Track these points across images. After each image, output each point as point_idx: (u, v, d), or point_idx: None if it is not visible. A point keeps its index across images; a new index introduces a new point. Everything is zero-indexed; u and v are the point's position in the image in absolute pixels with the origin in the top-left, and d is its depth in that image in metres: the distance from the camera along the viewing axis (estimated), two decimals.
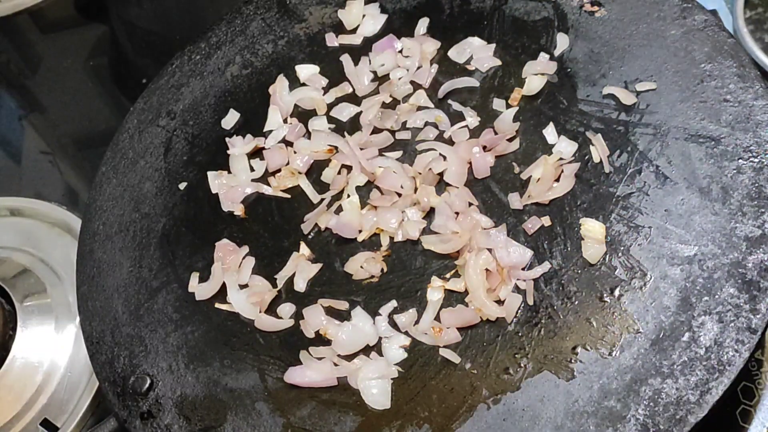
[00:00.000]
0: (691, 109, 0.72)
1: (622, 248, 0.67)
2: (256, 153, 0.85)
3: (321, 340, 0.71)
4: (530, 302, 0.67)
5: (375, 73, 0.87)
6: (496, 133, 0.77)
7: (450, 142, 0.78)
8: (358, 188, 0.78)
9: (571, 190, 0.72)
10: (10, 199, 1.02)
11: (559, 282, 0.67)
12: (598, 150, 0.72)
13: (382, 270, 0.73)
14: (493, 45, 0.84)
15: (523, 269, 0.68)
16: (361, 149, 0.80)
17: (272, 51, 0.92)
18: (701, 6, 0.77)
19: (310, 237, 0.77)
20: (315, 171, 0.82)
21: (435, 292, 0.70)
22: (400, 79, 0.85)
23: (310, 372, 0.68)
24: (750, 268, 0.62)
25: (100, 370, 0.74)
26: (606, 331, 0.63)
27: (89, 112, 1.15)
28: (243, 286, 0.76)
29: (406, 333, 0.69)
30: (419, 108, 0.82)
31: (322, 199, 0.79)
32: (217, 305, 0.75)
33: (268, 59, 0.92)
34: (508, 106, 0.79)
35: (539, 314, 0.66)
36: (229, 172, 0.84)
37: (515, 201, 0.73)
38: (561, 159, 0.73)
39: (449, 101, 0.82)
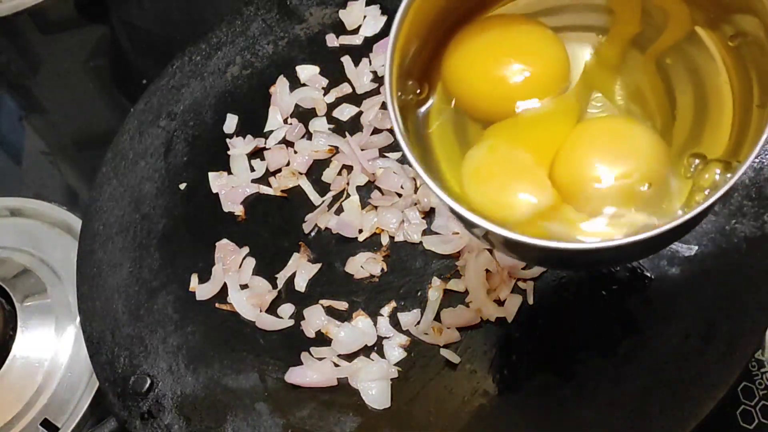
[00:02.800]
0: None
1: None
2: (257, 153, 0.85)
3: (321, 340, 0.71)
4: (530, 302, 0.67)
5: (375, 73, 0.87)
6: None
7: None
8: (358, 188, 0.79)
9: None
10: (10, 200, 1.02)
11: (559, 282, 0.67)
12: None
13: (382, 270, 0.73)
14: None
15: (523, 269, 0.68)
16: (362, 150, 0.80)
17: (273, 52, 0.92)
18: None
19: (310, 237, 0.78)
20: (315, 171, 0.82)
21: (435, 292, 0.70)
22: None
23: (311, 372, 0.68)
24: (750, 268, 0.62)
25: (100, 370, 0.74)
26: (606, 331, 0.63)
27: (89, 112, 1.14)
28: (243, 287, 0.76)
29: (407, 332, 0.69)
30: None
31: (323, 201, 0.79)
32: (217, 305, 0.76)
33: (268, 60, 0.92)
34: None
35: (539, 314, 0.66)
36: (230, 173, 0.84)
37: None
38: None
39: None
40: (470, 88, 0.51)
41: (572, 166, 0.46)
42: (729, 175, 0.42)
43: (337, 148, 0.82)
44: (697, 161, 0.45)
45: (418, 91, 0.51)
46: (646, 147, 0.46)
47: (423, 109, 0.51)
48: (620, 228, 0.44)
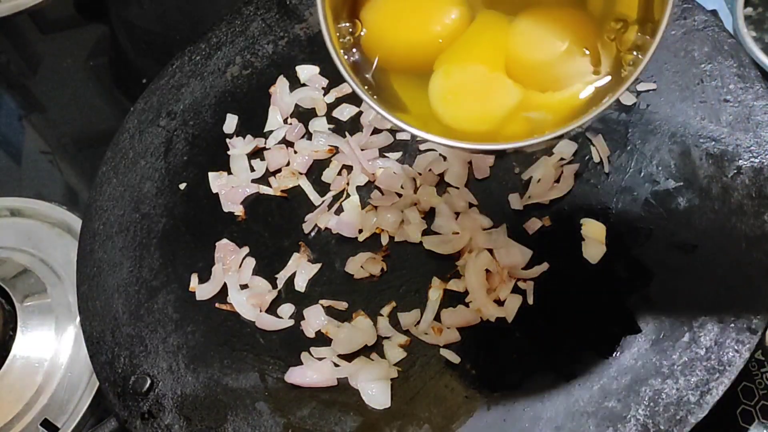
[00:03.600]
0: (691, 109, 0.72)
1: (622, 248, 0.67)
2: (257, 153, 0.85)
3: (321, 340, 0.71)
4: (530, 302, 0.67)
5: None
6: None
7: None
8: (358, 188, 0.79)
9: (571, 190, 0.72)
10: (10, 199, 1.02)
11: (559, 282, 0.67)
12: (599, 150, 0.72)
13: (382, 270, 0.73)
14: None
15: (523, 269, 0.68)
16: (362, 149, 0.80)
17: (272, 51, 0.92)
18: (701, 6, 0.77)
19: (310, 237, 0.78)
20: (315, 171, 0.82)
21: (435, 292, 0.70)
22: None
23: (311, 372, 0.68)
24: (750, 267, 0.62)
25: (100, 370, 0.74)
26: (606, 331, 0.63)
27: (89, 112, 1.14)
28: (243, 287, 0.76)
29: (407, 332, 0.69)
30: None
31: (323, 201, 0.79)
32: (217, 305, 0.76)
33: (268, 60, 0.92)
34: None
35: (539, 314, 0.66)
36: (230, 173, 0.84)
37: (515, 201, 0.73)
38: (561, 159, 0.73)
39: None
40: (398, 43, 0.56)
41: (521, 59, 0.54)
42: (649, 37, 0.50)
43: (337, 148, 0.82)
44: (619, 25, 0.52)
45: (351, 30, 0.56)
46: (572, 22, 0.54)
47: (359, 49, 0.57)
48: (580, 91, 0.52)
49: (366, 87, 0.54)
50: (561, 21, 0.54)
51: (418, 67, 0.55)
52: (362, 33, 0.56)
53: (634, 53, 0.51)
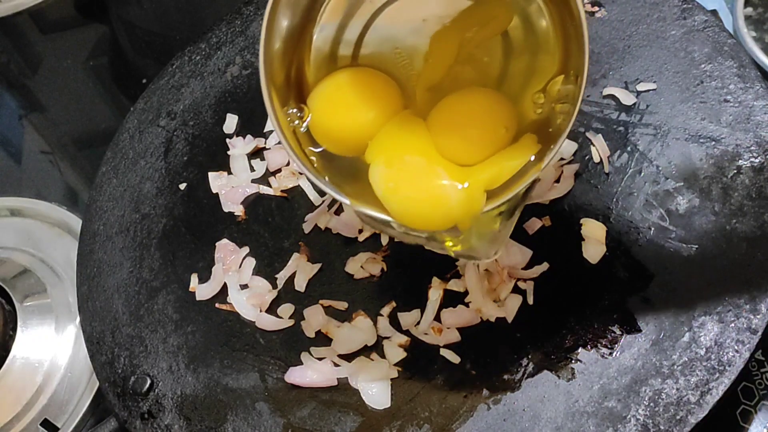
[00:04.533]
0: (691, 110, 0.72)
1: (622, 248, 0.67)
2: (257, 153, 0.85)
3: (321, 340, 0.71)
4: (530, 302, 0.67)
5: None
6: None
7: None
8: None
9: (571, 190, 0.72)
10: (10, 199, 1.02)
11: (559, 282, 0.67)
12: (599, 150, 0.72)
13: (382, 270, 0.73)
14: None
15: (523, 269, 0.68)
16: None
17: None
18: (701, 6, 0.77)
19: (310, 237, 0.78)
20: None
21: (435, 292, 0.70)
22: None
23: (311, 372, 0.68)
24: (750, 268, 0.62)
25: (100, 370, 0.74)
26: (606, 331, 0.63)
27: (89, 112, 1.14)
28: (243, 287, 0.76)
29: (407, 332, 0.69)
30: None
31: (323, 201, 0.79)
32: (217, 305, 0.76)
33: None
34: None
35: (539, 314, 0.66)
36: (230, 173, 0.84)
37: None
38: (561, 159, 0.73)
39: None
40: (338, 133, 0.58)
41: (447, 148, 0.55)
42: (573, 87, 0.51)
43: None
44: (541, 99, 0.54)
45: (300, 114, 0.57)
46: (487, 104, 0.56)
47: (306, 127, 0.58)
48: (518, 161, 0.53)
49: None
50: (475, 103, 0.56)
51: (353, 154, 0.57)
52: (309, 118, 0.58)
53: (561, 104, 0.53)
